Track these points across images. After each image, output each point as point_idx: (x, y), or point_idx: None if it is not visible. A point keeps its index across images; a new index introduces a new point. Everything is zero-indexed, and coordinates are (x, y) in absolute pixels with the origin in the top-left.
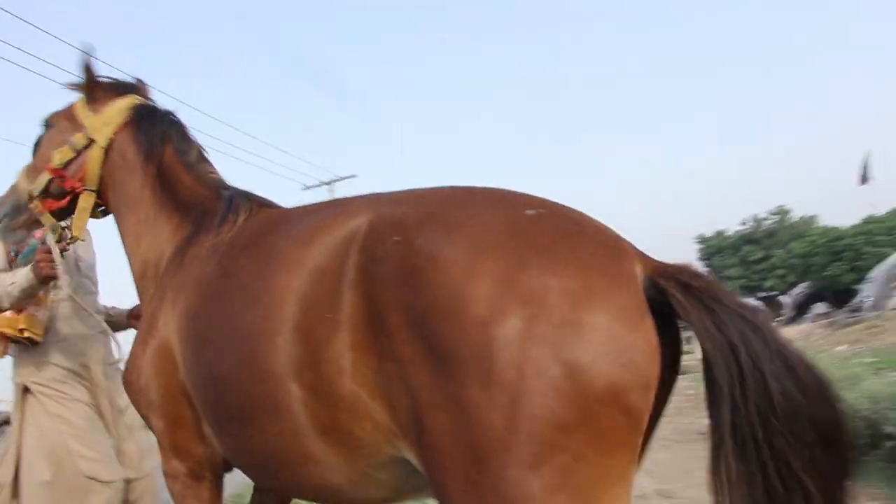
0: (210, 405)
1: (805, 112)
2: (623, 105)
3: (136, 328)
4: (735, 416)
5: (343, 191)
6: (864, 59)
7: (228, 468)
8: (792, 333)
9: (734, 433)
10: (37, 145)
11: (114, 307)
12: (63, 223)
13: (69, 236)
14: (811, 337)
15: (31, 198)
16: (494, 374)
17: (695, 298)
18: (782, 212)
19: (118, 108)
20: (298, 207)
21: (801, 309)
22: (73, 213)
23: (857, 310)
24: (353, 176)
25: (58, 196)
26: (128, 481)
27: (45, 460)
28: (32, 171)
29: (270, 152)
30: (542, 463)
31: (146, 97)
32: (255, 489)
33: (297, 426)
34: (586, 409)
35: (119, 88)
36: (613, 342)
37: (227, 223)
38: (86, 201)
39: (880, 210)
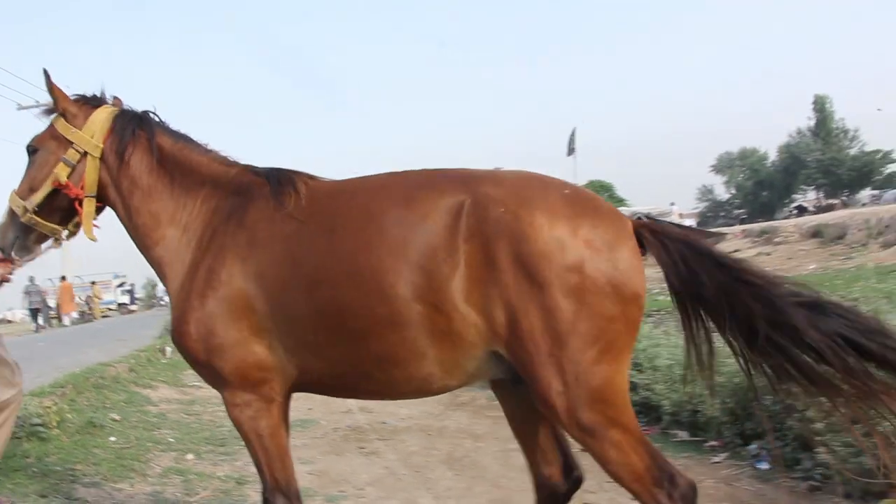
0: (313, 331)
1: (527, 83)
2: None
3: None
4: (684, 296)
5: None
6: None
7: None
8: None
9: (686, 305)
10: (29, 167)
11: None
12: (63, 228)
13: (65, 236)
14: None
15: (25, 212)
16: (571, 289)
17: (653, 237)
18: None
19: (99, 120)
20: (363, 179)
21: None
22: (70, 218)
23: None
24: None
25: (63, 204)
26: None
27: None
28: (27, 191)
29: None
30: (598, 339)
31: (118, 105)
32: None
33: (415, 334)
34: (622, 306)
35: (90, 102)
36: (632, 268)
37: (286, 193)
38: (90, 206)
39: (580, 181)
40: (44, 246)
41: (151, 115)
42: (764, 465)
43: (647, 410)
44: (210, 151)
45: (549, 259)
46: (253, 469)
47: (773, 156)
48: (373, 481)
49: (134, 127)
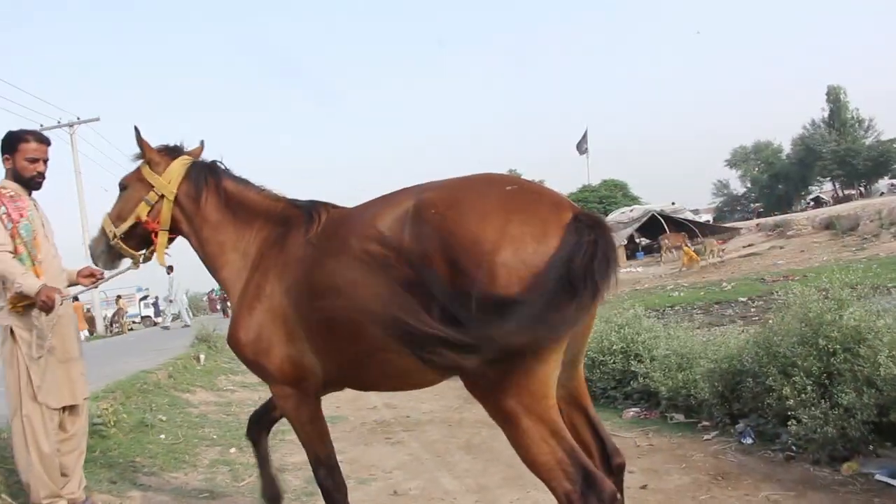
0: (324, 336)
1: (537, 82)
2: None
3: (84, 285)
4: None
5: (85, 133)
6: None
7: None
8: None
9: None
10: (119, 198)
11: (65, 269)
12: (140, 252)
13: (142, 259)
14: None
15: (114, 237)
16: (497, 278)
17: (580, 226)
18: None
19: (176, 169)
20: (360, 205)
21: None
22: (147, 245)
23: None
24: (96, 119)
25: (141, 235)
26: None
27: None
28: (116, 219)
29: (5, 89)
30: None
31: (194, 154)
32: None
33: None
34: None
35: (171, 152)
36: None
37: (313, 222)
38: (163, 237)
39: (594, 180)
40: (124, 266)
41: (218, 163)
42: (748, 440)
43: (647, 396)
44: (263, 190)
45: (475, 252)
46: (291, 458)
47: (787, 148)
48: (399, 466)
49: (205, 175)
